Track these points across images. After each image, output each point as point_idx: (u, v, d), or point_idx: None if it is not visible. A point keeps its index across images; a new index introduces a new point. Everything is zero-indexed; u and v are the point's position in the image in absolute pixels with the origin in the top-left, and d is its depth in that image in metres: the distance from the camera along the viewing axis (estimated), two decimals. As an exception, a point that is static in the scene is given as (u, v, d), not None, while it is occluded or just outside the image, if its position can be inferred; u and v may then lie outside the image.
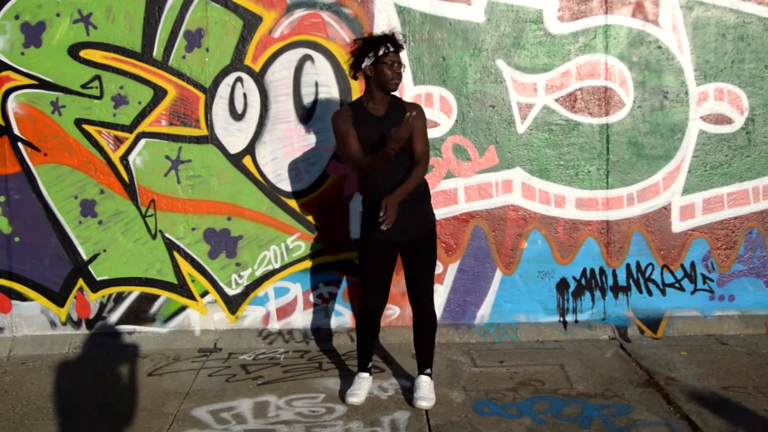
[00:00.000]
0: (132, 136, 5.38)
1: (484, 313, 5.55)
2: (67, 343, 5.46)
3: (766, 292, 5.57)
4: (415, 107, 4.20)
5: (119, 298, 5.53)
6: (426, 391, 4.33)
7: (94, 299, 5.53)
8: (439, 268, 5.48)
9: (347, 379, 4.64)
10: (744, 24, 5.39)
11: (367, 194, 4.25)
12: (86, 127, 5.39)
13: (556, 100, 5.42)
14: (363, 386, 4.42)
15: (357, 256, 4.56)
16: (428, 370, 4.42)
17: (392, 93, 4.17)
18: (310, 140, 5.37)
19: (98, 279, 5.51)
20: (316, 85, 5.33)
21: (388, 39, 4.05)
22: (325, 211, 5.41)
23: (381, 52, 4.02)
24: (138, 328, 5.53)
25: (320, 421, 4.11)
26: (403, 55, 5.29)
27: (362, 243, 4.31)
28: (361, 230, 4.33)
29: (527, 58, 5.39)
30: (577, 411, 4.17)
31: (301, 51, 5.33)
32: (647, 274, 5.56)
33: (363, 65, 4.08)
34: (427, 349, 4.42)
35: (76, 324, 5.55)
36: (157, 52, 5.32)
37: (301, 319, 5.52)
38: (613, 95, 5.44)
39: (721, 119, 5.47)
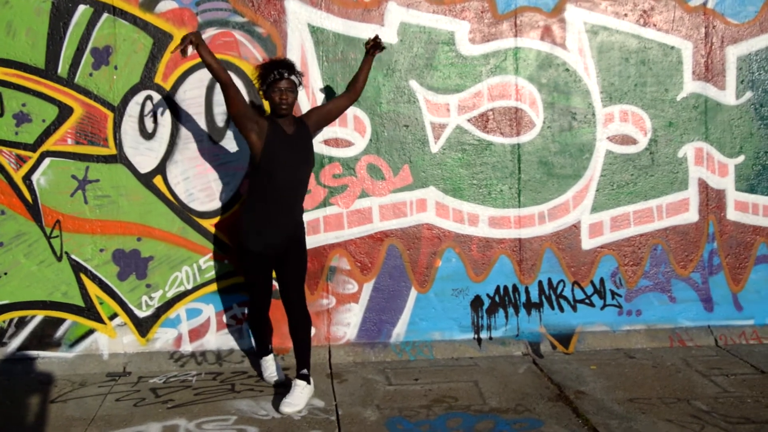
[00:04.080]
0: (36, 155, 5.24)
1: (399, 331, 5.59)
2: (-36, 371, 5.25)
3: (671, 306, 5.79)
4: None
5: (21, 322, 5.34)
6: (294, 396, 4.52)
7: None
8: (354, 287, 5.52)
9: (260, 401, 4.61)
10: (645, 49, 5.65)
11: (260, 211, 4.47)
12: None
13: (468, 120, 5.55)
14: (274, 365, 4.99)
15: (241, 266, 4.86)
16: (304, 371, 4.61)
17: (287, 115, 4.47)
18: (223, 160, 5.34)
19: None
20: (229, 104, 5.32)
21: (277, 65, 4.37)
22: (238, 231, 5.36)
23: (270, 79, 4.35)
24: (42, 353, 5.34)
25: None
26: (316, 80, 5.36)
27: (245, 256, 4.59)
28: (242, 245, 4.56)
29: (440, 78, 5.50)
30: (489, 426, 4.23)
31: (214, 70, 5.32)
32: (559, 291, 5.71)
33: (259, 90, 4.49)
34: (302, 349, 4.63)
35: None
36: (62, 69, 5.21)
37: (214, 340, 5.45)
38: (523, 116, 5.60)
39: (627, 140, 5.69)
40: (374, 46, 4.80)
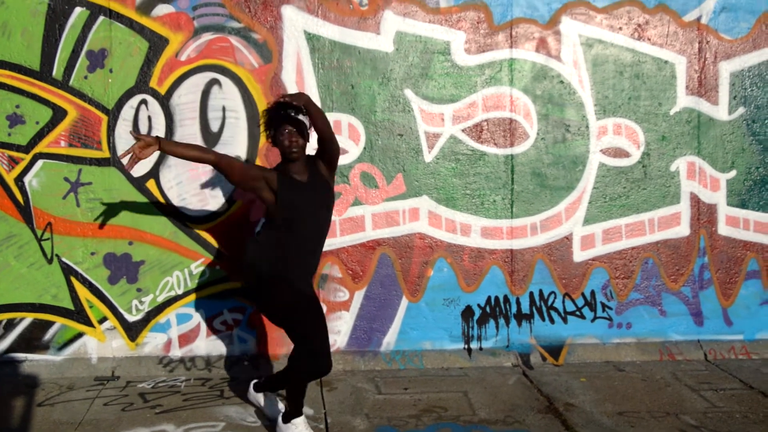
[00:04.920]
0: (28, 157, 5.23)
1: (390, 340, 5.58)
2: (-49, 373, 5.22)
3: (661, 320, 5.80)
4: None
5: (10, 324, 5.31)
6: None
7: None
8: (345, 295, 5.51)
9: (249, 407, 4.60)
10: (639, 63, 5.67)
11: (280, 263, 4.02)
12: None
13: (462, 131, 5.56)
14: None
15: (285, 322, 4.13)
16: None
17: (298, 159, 4.04)
18: None
19: None
20: (224, 109, 5.31)
21: (282, 106, 3.98)
22: (230, 237, 5.36)
23: (276, 123, 4.01)
24: (30, 356, 5.31)
25: None
26: (311, 87, 5.36)
27: (289, 307, 4.04)
28: (268, 302, 4.08)
29: (435, 88, 5.51)
30: None
31: (209, 75, 5.31)
32: (550, 302, 5.71)
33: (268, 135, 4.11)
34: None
35: None
36: (57, 71, 5.20)
37: (204, 346, 5.43)
38: (517, 127, 5.61)
39: (620, 153, 5.71)
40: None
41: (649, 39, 5.67)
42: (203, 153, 3.91)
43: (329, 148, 4.11)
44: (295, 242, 4.00)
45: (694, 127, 5.75)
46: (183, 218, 5.37)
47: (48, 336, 5.35)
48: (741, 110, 5.78)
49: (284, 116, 3.98)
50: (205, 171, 5.32)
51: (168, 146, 3.86)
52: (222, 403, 4.75)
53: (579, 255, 5.74)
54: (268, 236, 4.08)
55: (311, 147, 4.24)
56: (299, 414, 4.14)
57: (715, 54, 5.73)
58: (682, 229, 5.79)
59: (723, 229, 5.83)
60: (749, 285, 5.86)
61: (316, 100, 5.40)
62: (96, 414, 4.57)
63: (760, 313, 5.88)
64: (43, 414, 4.57)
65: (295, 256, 4.01)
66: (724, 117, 5.78)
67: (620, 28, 5.64)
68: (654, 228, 5.78)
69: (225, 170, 3.92)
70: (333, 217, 5.36)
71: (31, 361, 5.32)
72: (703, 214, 5.80)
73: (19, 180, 5.25)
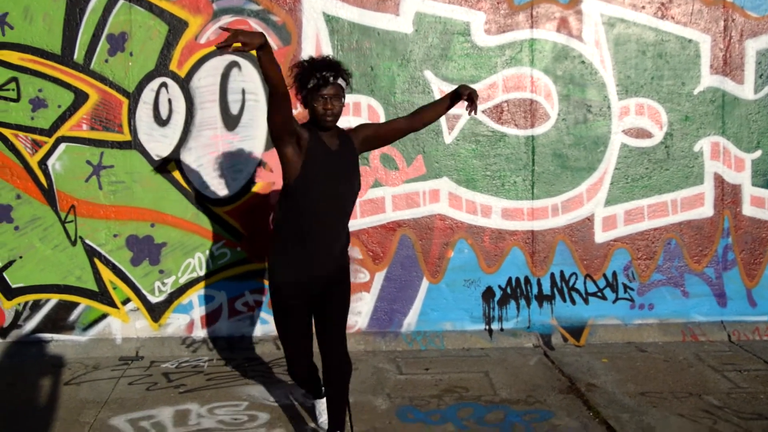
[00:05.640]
0: (51, 140, 5.30)
1: (410, 321, 5.62)
2: (-21, 353, 5.34)
3: (684, 301, 5.78)
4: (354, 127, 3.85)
5: (36, 305, 5.41)
6: None
7: (8, 307, 5.40)
8: (366, 276, 5.54)
9: (271, 387, 4.65)
10: (662, 42, 5.62)
11: (294, 239, 3.61)
12: (1, 130, 5.29)
13: (483, 112, 5.55)
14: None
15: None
16: None
17: (332, 128, 3.59)
18: (237, 147, 5.37)
19: (13, 286, 5.39)
20: (243, 92, 5.34)
21: (322, 66, 3.47)
22: (251, 219, 5.40)
23: (311, 85, 3.46)
24: (56, 336, 5.42)
25: (243, 428, 4.11)
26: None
27: (274, 297, 3.74)
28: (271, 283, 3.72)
29: (455, 69, 5.50)
30: (499, 417, 4.25)
31: (228, 57, 5.33)
32: (571, 284, 5.71)
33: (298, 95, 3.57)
34: (338, 404, 3.80)
35: None
36: (78, 55, 5.26)
37: (226, 327, 5.49)
38: (538, 108, 5.59)
39: (642, 133, 5.68)
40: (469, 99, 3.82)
41: (672, 17, 5.61)
42: (283, 81, 3.32)
43: (388, 142, 3.90)
44: (310, 219, 3.55)
45: (718, 106, 5.70)
46: (204, 200, 5.41)
47: (73, 317, 5.44)
48: (767, 89, 5.72)
49: (323, 79, 3.44)
50: (226, 153, 5.36)
51: (267, 55, 3.23)
52: (245, 383, 4.80)
53: (600, 236, 5.72)
54: (282, 210, 3.66)
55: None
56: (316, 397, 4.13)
57: (741, 32, 5.66)
58: (706, 210, 5.76)
59: (748, 210, 5.79)
60: (774, 265, 5.86)
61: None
62: (121, 393, 4.64)
63: (785, 293, 5.88)
64: (70, 393, 4.65)
65: (308, 238, 3.57)
66: (749, 96, 5.72)
67: (643, 7, 5.59)
68: (677, 209, 5.75)
69: (280, 106, 3.37)
70: None
71: (57, 341, 5.42)
72: (727, 195, 5.76)
73: (43, 163, 5.32)
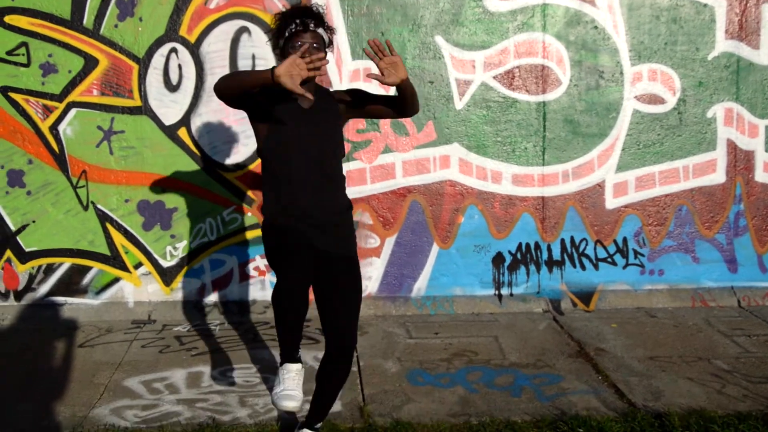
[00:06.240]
0: (62, 106, 5.34)
1: (420, 286, 5.67)
2: (-6, 315, 5.45)
3: (694, 267, 5.81)
4: (340, 89, 3.43)
5: (49, 269, 5.50)
6: None
7: (22, 270, 5.48)
8: (376, 242, 5.58)
9: (281, 350, 4.71)
10: (677, 6, 5.58)
11: (275, 209, 3.23)
12: (13, 95, 5.33)
13: (494, 78, 5.54)
14: (296, 381, 3.30)
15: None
16: (318, 426, 3.50)
17: (309, 82, 3.13)
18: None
19: (27, 250, 5.47)
20: (253, 57, 5.36)
21: (300, 13, 3.13)
22: (261, 184, 5.40)
23: (287, 33, 3.14)
24: (69, 299, 5.51)
25: (254, 390, 4.16)
26: (341, 34, 5.34)
27: (267, 241, 3.30)
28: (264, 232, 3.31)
29: (466, 35, 5.49)
30: (509, 380, 4.29)
31: (238, 23, 5.35)
32: (581, 249, 5.74)
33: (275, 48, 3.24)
34: (327, 398, 3.44)
35: (4, 296, 5.51)
36: (88, 20, 5.28)
37: (237, 291, 5.56)
38: (550, 74, 5.58)
39: (654, 99, 5.66)
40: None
41: None
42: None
43: (386, 112, 3.38)
44: (286, 176, 3.17)
45: (732, 72, 5.67)
46: (214, 166, 5.45)
47: (86, 280, 5.52)
48: None
49: (302, 24, 3.11)
50: (236, 119, 5.38)
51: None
52: (256, 346, 4.87)
53: (611, 202, 5.74)
54: (263, 176, 3.31)
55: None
56: (288, 359, 3.35)
57: None
58: (718, 176, 5.76)
59: (760, 176, 5.79)
60: (786, 231, 5.86)
61: (346, 47, 5.41)
62: (134, 355, 4.72)
63: (795, 259, 5.88)
64: (84, 355, 4.73)
65: (287, 199, 3.19)
66: (765, 62, 5.69)
67: (657, -29, 5.55)
68: (689, 175, 5.75)
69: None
70: (363, 165, 5.49)
71: (71, 304, 5.51)
72: (740, 161, 5.74)
73: (54, 129, 5.37)
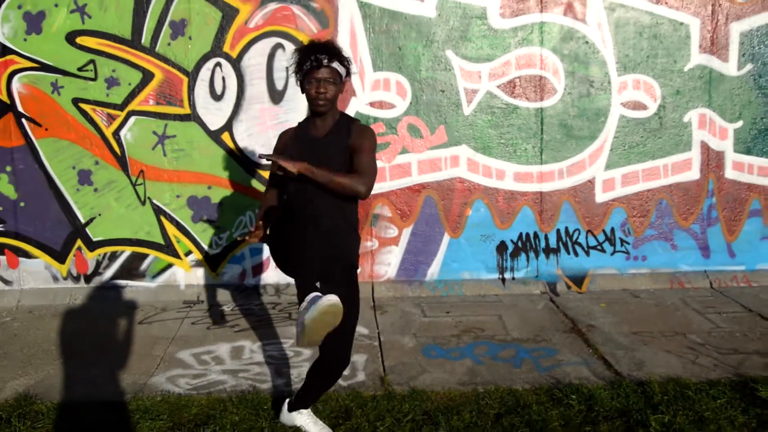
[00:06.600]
0: (123, 114, 5.48)
1: (433, 271, 5.75)
2: (68, 295, 5.56)
3: (672, 253, 5.87)
4: (363, 128, 3.13)
5: (113, 256, 5.64)
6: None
7: (91, 257, 5.64)
8: (395, 232, 5.68)
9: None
10: (657, 24, 5.65)
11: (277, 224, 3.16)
12: (82, 105, 5.49)
13: (497, 87, 5.63)
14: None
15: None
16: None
17: (325, 113, 3.07)
18: (282, 119, 5.51)
19: (94, 239, 5.63)
20: (287, 70, 5.45)
21: (315, 49, 2.99)
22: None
23: (306, 67, 3.00)
24: (130, 282, 5.65)
25: (289, 362, 4.26)
26: (363, 49, 5.43)
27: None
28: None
29: (473, 49, 5.58)
30: (511, 353, 4.39)
31: (274, 40, 5.47)
32: (574, 238, 5.82)
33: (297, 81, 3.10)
34: (317, 390, 3.36)
35: (76, 279, 5.66)
36: (146, 39, 5.42)
37: (274, 275, 5.65)
38: (547, 83, 5.66)
39: (638, 105, 5.73)
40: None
41: (666, 2, 5.63)
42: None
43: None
44: (291, 204, 3.10)
45: (705, 82, 5.73)
46: (253, 165, 5.56)
47: (144, 266, 5.66)
48: (749, 66, 5.74)
49: (316, 61, 2.96)
50: (272, 125, 5.51)
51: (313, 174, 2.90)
52: (290, 324, 4.95)
53: (601, 196, 5.80)
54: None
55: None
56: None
57: (727, 15, 5.67)
58: (693, 174, 5.81)
59: (729, 173, 5.84)
60: (751, 222, 5.88)
61: (368, 60, 5.51)
62: (186, 331, 4.85)
63: (760, 247, 5.91)
64: (143, 330, 4.88)
65: (295, 221, 3.10)
66: (733, 73, 5.74)
67: (640, -8, 5.59)
68: (668, 172, 5.80)
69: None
70: (383, 164, 5.53)
71: (131, 287, 5.66)
72: (712, 160, 5.80)
73: (116, 134, 5.52)
